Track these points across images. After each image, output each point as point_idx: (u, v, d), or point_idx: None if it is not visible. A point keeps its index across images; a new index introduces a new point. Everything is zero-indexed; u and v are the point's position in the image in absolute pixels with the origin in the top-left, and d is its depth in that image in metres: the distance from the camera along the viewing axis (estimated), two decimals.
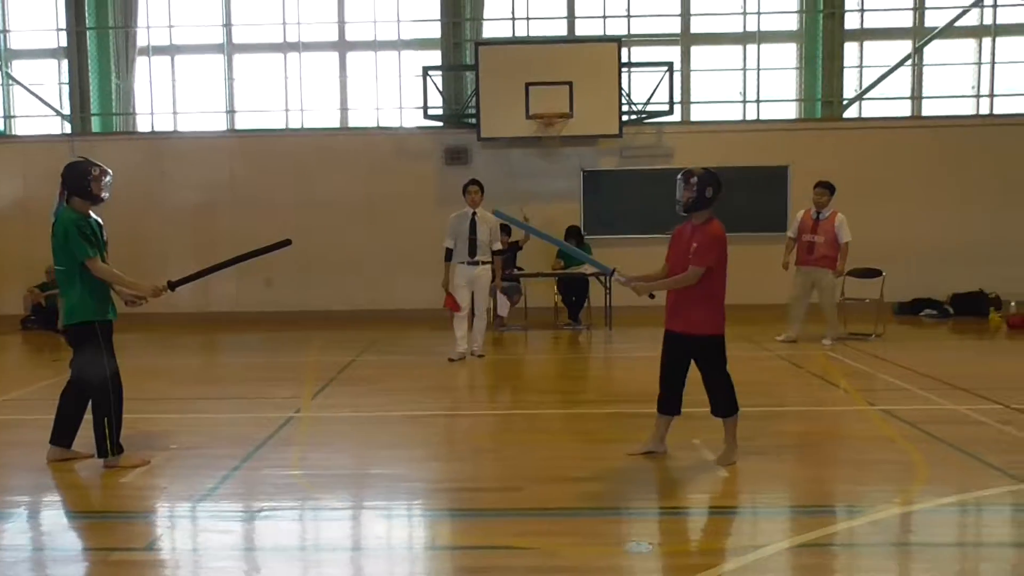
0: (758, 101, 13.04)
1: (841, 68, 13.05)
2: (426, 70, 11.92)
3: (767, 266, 12.43)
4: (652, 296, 5.37)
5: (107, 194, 5.07)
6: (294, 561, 3.89)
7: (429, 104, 12.07)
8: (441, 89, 12.36)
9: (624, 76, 12.17)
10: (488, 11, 12.95)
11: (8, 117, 13.04)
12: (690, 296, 5.06)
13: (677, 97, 12.50)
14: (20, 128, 13.27)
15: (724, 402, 5.11)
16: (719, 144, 12.46)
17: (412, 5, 12.96)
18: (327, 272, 12.46)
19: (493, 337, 10.91)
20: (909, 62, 12.92)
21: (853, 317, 10.30)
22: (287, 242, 5.63)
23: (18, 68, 13.23)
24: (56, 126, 13.06)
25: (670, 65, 11.98)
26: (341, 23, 13.16)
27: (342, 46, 13.29)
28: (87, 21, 12.63)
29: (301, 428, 6.13)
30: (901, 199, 12.43)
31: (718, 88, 13.28)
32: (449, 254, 8.79)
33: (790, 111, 13.45)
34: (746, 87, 13.11)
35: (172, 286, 5.21)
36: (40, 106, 12.94)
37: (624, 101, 11.98)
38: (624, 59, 12.11)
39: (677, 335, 5.16)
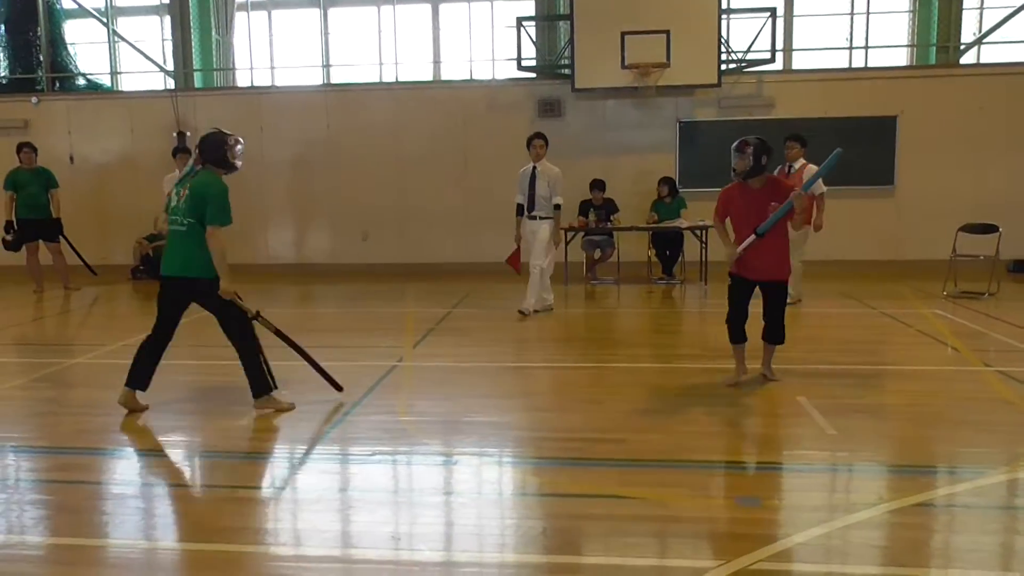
0: (866, 47, 12.46)
1: (959, 10, 12.32)
2: (520, 20, 11.78)
3: (873, 221, 12.03)
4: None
5: (241, 162, 5.26)
6: (401, 504, 3.99)
7: (523, 56, 11.94)
8: (535, 40, 12.22)
9: (724, 23, 11.78)
10: None
11: (114, 73, 13.51)
12: (782, 245, 5.69)
13: (780, 44, 12.04)
14: (126, 84, 13.74)
15: (782, 330, 5.81)
16: (823, 93, 11.99)
17: None
18: (421, 225, 12.59)
19: (585, 290, 10.90)
20: None
21: (966, 275, 9.84)
22: (340, 388, 5.59)
23: (123, 25, 13.67)
24: (159, 82, 13.46)
25: (772, 11, 11.51)
26: None
27: None
28: None
29: (405, 376, 6.24)
30: (1020, 150, 11.74)
31: (823, 34, 12.73)
32: (520, 209, 8.71)
33: (900, 58, 12.80)
34: (853, 33, 12.52)
35: (257, 316, 5.30)
36: (144, 62, 13.35)
37: (723, 49, 11.60)
38: (724, 5, 11.72)
39: (755, 282, 5.70)
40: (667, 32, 11.18)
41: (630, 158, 12.12)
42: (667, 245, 11.33)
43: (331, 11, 13.39)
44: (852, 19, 12.53)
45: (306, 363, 5.59)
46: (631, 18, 11.25)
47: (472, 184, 12.37)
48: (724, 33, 11.75)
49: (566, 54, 11.81)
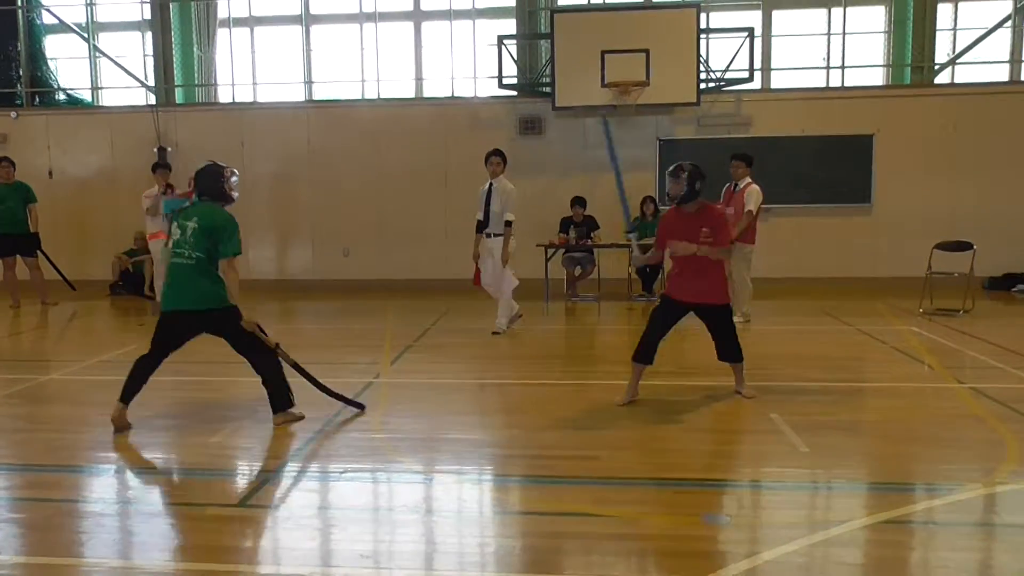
0: (843, 67, 12.61)
1: (933, 31, 12.52)
2: (501, 39, 11.86)
3: (849, 239, 12.15)
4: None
5: (237, 194, 5.26)
6: (373, 522, 3.98)
7: (504, 73, 12.02)
8: (516, 58, 12.30)
9: (703, 42, 11.93)
10: None
11: (95, 88, 13.48)
12: (711, 270, 5.71)
13: (758, 64, 12.19)
14: (107, 99, 13.71)
15: (737, 349, 5.92)
16: (800, 112, 12.15)
17: None
18: (402, 241, 12.60)
19: (565, 307, 10.93)
20: (1008, 23, 12.31)
21: (941, 292, 9.94)
22: (361, 406, 5.61)
23: (104, 40, 13.65)
24: (141, 97, 13.43)
25: (750, 31, 11.65)
26: None
27: (417, 16, 13.33)
28: None
29: (381, 393, 6.23)
30: (994, 168, 11.94)
31: (800, 54, 12.88)
32: (480, 226, 8.71)
33: (877, 77, 12.98)
34: (830, 53, 12.68)
35: (276, 347, 5.30)
36: (126, 77, 13.32)
37: (702, 68, 11.72)
38: (703, 25, 11.87)
39: (686, 304, 5.78)
40: (647, 51, 11.29)
41: (611, 175, 12.09)
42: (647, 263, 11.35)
43: (313, 28, 13.43)
44: (829, 39, 12.70)
45: (322, 392, 5.55)
46: (611, 37, 11.36)
47: (453, 201, 12.40)
48: (704, 52, 11.89)
49: (547, 72, 11.89)
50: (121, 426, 5.17)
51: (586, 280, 11.64)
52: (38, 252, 10.99)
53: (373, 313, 10.62)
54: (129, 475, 4.71)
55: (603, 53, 11.32)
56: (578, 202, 11.35)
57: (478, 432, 5.31)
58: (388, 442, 5.04)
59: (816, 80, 12.73)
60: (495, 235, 8.56)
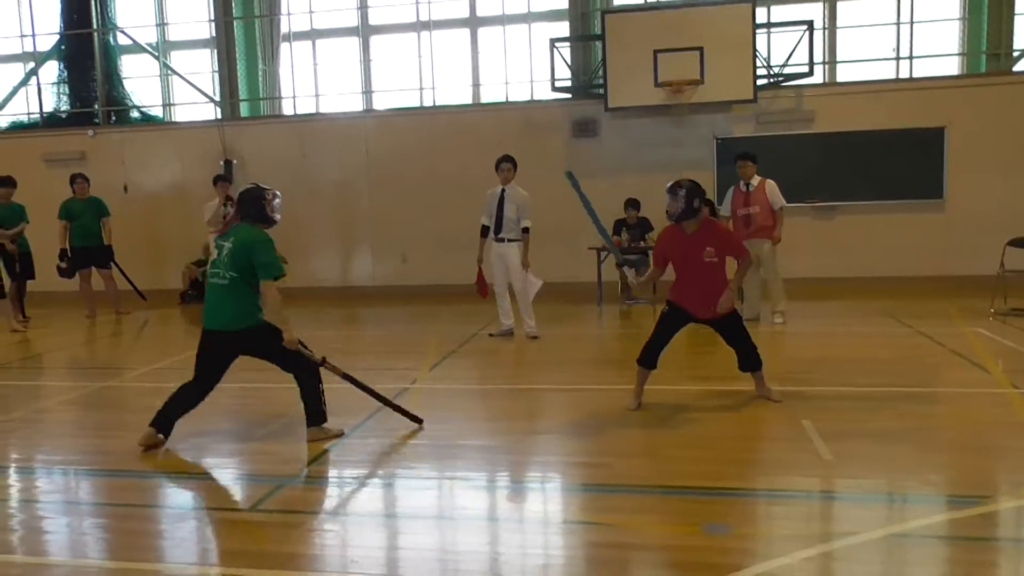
0: (911, 57, 12.09)
1: (1012, 16, 11.88)
2: (553, 42, 11.82)
3: (919, 237, 11.64)
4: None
5: (279, 216, 5.22)
6: (379, 527, 4.01)
7: (557, 76, 11.97)
8: (570, 61, 12.24)
9: (762, 37, 11.63)
10: None
11: (165, 105, 14.05)
12: (717, 283, 5.60)
13: (818, 57, 11.81)
14: (179, 115, 14.26)
15: (756, 358, 5.80)
16: (866, 105, 11.69)
17: None
18: (459, 247, 12.61)
19: (620, 311, 10.80)
20: None
21: (1016, 291, 9.42)
22: (420, 421, 5.52)
23: (175, 58, 14.22)
24: (210, 112, 13.91)
25: (810, 24, 11.29)
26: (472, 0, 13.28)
27: (473, 22, 13.41)
28: (234, 11, 13.35)
29: (412, 399, 6.25)
30: None
31: (866, 46, 12.40)
32: (485, 231, 8.65)
33: (949, 67, 12.39)
34: (899, 42, 12.18)
35: (323, 362, 5.27)
36: (195, 94, 13.83)
37: (760, 64, 11.43)
38: (762, 19, 11.57)
39: (694, 318, 5.72)
40: (700, 49, 11.07)
41: (666, 176, 11.83)
42: None
43: (372, 38, 13.66)
44: (899, 28, 12.20)
45: (380, 402, 5.54)
46: (663, 36, 11.19)
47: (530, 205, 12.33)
48: (763, 47, 11.59)
49: (600, 74, 11.78)
50: (152, 444, 5.11)
51: (645, 284, 11.44)
52: (112, 264, 11.50)
53: (425, 319, 10.72)
54: (152, 479, 4.86)
55: (655, 52, 11.16)
56: (631, 204, 11.20)
57: (496, 438, 5.28)
58: (404, 448, 5.08)
59: (884, 72, 12.23)
60: (509, 240, 8.52)
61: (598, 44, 12.17)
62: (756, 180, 8.96)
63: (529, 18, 12.98)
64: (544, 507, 4.19)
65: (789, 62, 11.54)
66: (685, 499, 4.13)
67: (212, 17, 13.42)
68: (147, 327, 11.13)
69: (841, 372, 6.70)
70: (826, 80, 12.23)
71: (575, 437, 5.25)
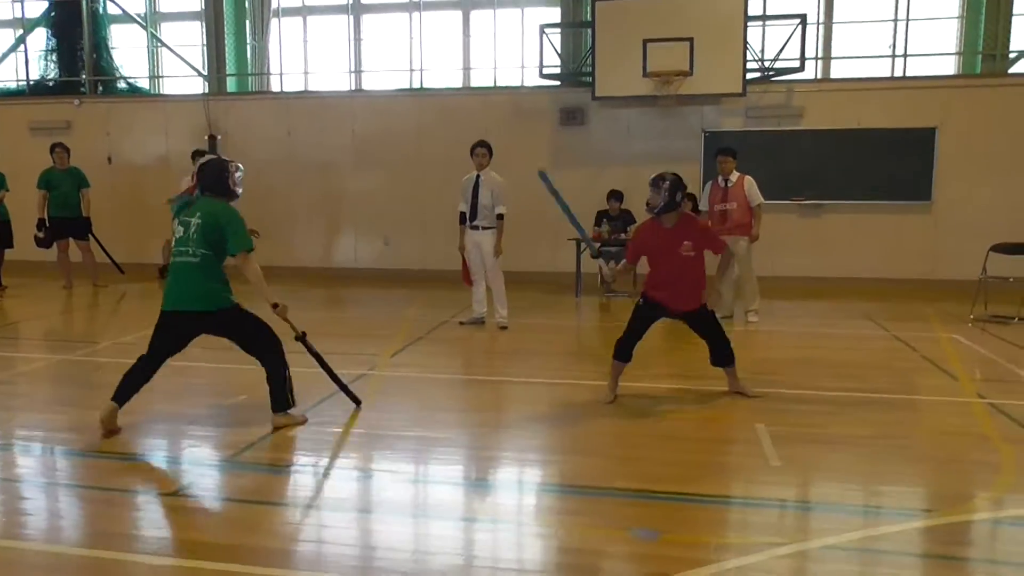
0: (905, 55, 11.91)
1: (1009, 17, 11.70)
2: (542, 28, 11.66)
3: (905, 239, 11.51)
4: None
5: (240, 189, 5.07)
6: (302, 516, 3.92)
7: (546, 63, 11.81)
8: (560, 47, 12.07)
9: (755, 30, 11.46)
10: None
11: (152, 77, 13.90)
12: (697, 278, 5.64)
13: (811, 52, 11.63)
14: (167, 88, 14.11)
15: (729, 352, 5.82)
16: (858, 103, 11.55)
17: None
18: (442, 231, 12.51)
19: (600, 303, 10.69)
20: None
21: (999, 298, 9.30)
22: (358, 402, 5.54)
23: (165, 30, 14.06)
24: (198, 86, 13.75)
25: (803, 18, 11.11)
26: None
27: (466, 4, 13.23)
28: None
29: (368, 386, 6.16)
30: None
31: (862, 42, 12.22)
32: (463, 217, 8.55)
33: (945, 66, 12.22)
34: (896, 40, 11.99)
35: (302, 337, 5.24)
36: (183, 67, 13.67)
37: (751, 57, 11.26)
38: (755, 11, 11.40)
39: (667, 309, 5.71)
40: (690, 40, 10.91)
41: (653, 168, 11.69)
42: None
43: (364, 16, 13.49)
44: (896, 26, 12.01)
45: (331, 378, 5.51)
46: (654, 25, 11.02)
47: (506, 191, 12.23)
48: (756, 40, 11.43)
49: (588, 62, 11.62)
50: (110, 428, 4.93)
51: (626, 277, 11.34)
52: (90, 235, 11.39)
53: (401, 302, 10.61)
54: (82, 458, 4.77)
55: (645, 42, 10.99)
56: (614, 196, 11.07)
57: (441, 429, 5.18)
58: (347, 436, 5.00)
59: (879, 70, 12.06)
60: (484, 228, 8.41)
61: (589, 32, 12.00)
62: (735, 176, 8.85)
63: (521, 2, 12.80)
64: (471, 504, 4.09)
65: (780, 56, 11.37)
66: (622, 502, 4.03)
67: None
68: (124, 300, 11.03)
69: (807, 374, 6.60)
70: (818, 76, 12.05)
71: (522, 432, 5.16)
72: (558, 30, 12.16)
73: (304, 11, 13.55)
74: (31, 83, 13.84)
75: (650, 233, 5.73)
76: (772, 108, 11.69)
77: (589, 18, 11.77)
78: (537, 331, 8.64)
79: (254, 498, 4.14)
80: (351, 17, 13.36)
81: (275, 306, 5.06)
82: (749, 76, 11.22)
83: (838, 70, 12.31)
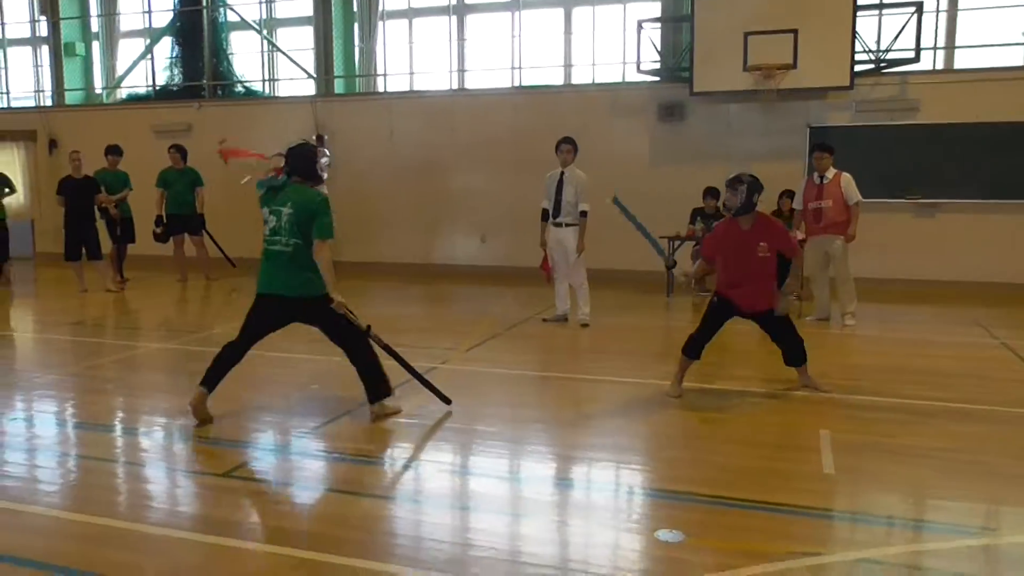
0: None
1: None
2: (640, 23, 11.47)
3: None
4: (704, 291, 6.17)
5: (326, 175, 5.22)
6: (337, 502, 4.02)
7: (647, 59, 11.62)
8: (660, 43, 11.85)
9: (866, 20, 10.89)
10: None
11: (265, 80, 14.56)
12: (769, 280, 5.67)
13: (927, 42, 10.96)
14: (282, 90, 14.74)
15: (801, 352, 5.84)
16: (980, 95, 10.76)
17: None
18: (536, 228, 12.51)
19: (692, 302, 10.42)
20: None
21: None
22: (448, 401, 5.51)
23: (282, 35, 14.70)
24: (311, 88, 14.26)
25: (919, 5, 10.47)
26: None
27: (568, 2, 13.19)
28: None
29: (435, 380, 6.19)
30: None
31: (984, 30, 11.39)
32: (546, 214, 8.47)
33: None
34: None
35: (368, 331, 5.21)
36: (296, 70, 14.24)
37: (861, 48, 10.71)
38: (861, 1, 10.83)
39: (741, 310, 5.74)
40: (794, 31, 10.48)
41: (755, 166, 11.30)
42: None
43: (467, 17, 13.67)
44: None
45: (413, 378, 5.52)
46: (756, 18, 10.65)
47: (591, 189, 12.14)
48: (867, 30, 10.86)
49: (688, 57, 11.35)
50: (202, 417, 5.07)
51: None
52: (203, 232, 12.03)
53: (491, 299, 10.70)
54: (168, 439, 5.04)
55: (746, 35, 10.64)
56: (711, 193, 10.76)
57: (499, 424, 5.21)
58: (401, 428, 5.07)
59: (1005, 59, 11.22)
60: (567, 224, 8.35)
61: (689, 26, 11.73)
62: (831, 173, 8.44)
63: None
64: (502, 496, 4.07)
65: (894, 47, 10.75)
66: (656, 503, 3.95)
67: None
68: (234, 293, 11.58)
69: (891, 381, 6.22)
70: (935, 67, 11.32)
71: (576, 429, 5.11)
72: (658, 25, 11.93)
73: (410, 13, 13.85)
74: (157, 88, 14.75)
75: (727, 233, 5.75)
76: (884, 102, 11.08)
77: (689, 12, 11.50)
78: (620, 329, 8.53)
79: (334, 486, 4.27)
80: (454, 18, 13.56)
81: (331, 300, 5.03)
82: (859, 68, 10.67)
83: (961, 60, 11.53)
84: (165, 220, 11.84)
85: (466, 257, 13.08)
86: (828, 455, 4.51)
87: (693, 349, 5.75)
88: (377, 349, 5.29)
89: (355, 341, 5.14)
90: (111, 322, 9.44)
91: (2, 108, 15.86)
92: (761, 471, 4.43)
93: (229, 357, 5.11)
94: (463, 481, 4.37)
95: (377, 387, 5.19)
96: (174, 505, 3.98)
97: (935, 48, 11.31)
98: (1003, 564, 3.35)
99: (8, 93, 16.01)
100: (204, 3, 14.13)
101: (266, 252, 5.03)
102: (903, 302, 10.12)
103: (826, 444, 4.69)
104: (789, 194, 10.62)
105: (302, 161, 5.07)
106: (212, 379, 5.09)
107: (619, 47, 12.55)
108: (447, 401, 5.47)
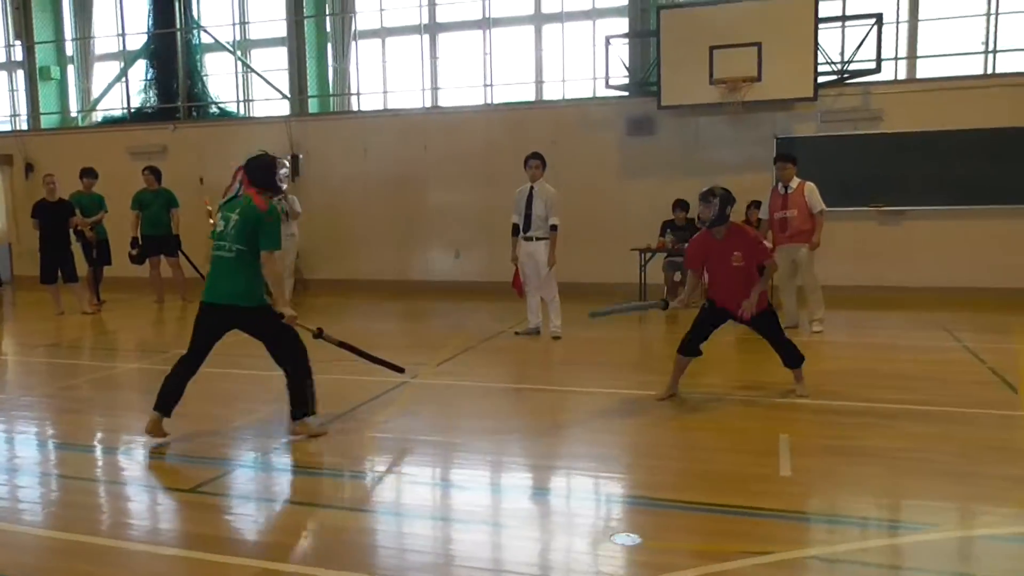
0: (995, 51, 11.30)
1: None
2: (608, 39, 11.66)
3: (1001, 245, 10.88)
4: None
5: (285, 185, 5.19)
6: (304, 515, 4.09)
7: (615, 74, 11.79)
8: (628, 58, 12.04)
9: (829, 32, 11.12)
10: None
11: (240, 101, 14.64)
12: (747, 285, 5.82)
13: (889, 52, 11.19)
14: (257, 111, 14.81)
15: (796, 355, 6.01)
16: (944, 103, 10.98)
17: None
18: (509, 243, 12.64)
19: (665, 314, 10.52)
20: None
21: None
22: (401, 370, 5.95)
23: (255, 56, 14.79)
24: (285, 108, 14.34)
25: (879, 17, 10.70)
26: None
27: (538, 19, 13.37)
28: (305, 10, 13.74)
29: (404, 394, 6.32)
30: None
31: (947, 40, 11.64)
32: (516, 229, 8.64)
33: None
34: (988, 36, 11.38)
35: (320, 334, 5.36)
36: (270, 90, 14.32)
37: (824, 60, 10.93)
38: (829, 12, 11.07)
39: (731, 315, 5.93)
40: (758, 45, 10.69)
41: (724, 177, 11.41)
42: None
43: (439, 36, 13.81)
44: (988, 19, 11.41)
45: (364, 359, 5.70)
46: (720, 32, 10.86)
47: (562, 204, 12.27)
48: (828, 41, 11.08)
49: (655, 71, 11.53)
50: (158, 434, 5.09)
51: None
52: (179, 252, 12.06)
53: (464, 313, 10.80)
54: (137, 458, 5.09)
55: (711, 48, 10.84)
56: (680, 205, 10.94)
57: (466, 437, 5.29)
58: (367, 442, 5.15)
59: (966, 69, 11.46)
60: (538, 238, 8.48)
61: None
62: (795, 182, 8.62)
63: (593, 15, 12.85)
64: (455, 504, 4.15)
65: (856, 58, 10.98)
66: (614, 508, 4.05)
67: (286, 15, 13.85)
68: None
69: (856, 385, 6.35)
70: (897, 77, 11.56)
71: (544, 440, 5.18)
72: (626, 40, 12.12)
73: (382, 32, 13.99)
74: (132, 111, 14.79)
75: (702, 244, 6.01)
76: (848, 112, 11.30)
77: (655, 27, 11.69)
78: (592, 342, 8.61)
79: (261, 497, 4.33)
80: (426, 36, 13.70)
81: (281, 316, 5.07)
82: (822, 79, 10.89)
83: (922, 70, 11.77)
84: (140, 242, 11.86)
85: (441, 273, 13.16)
86: (786, 458, 4.62)
87: (686, 347, 5.97)
88: (330, 347, 5.42)
89: (293, 357, 5.15)
90: (87, 343, 9.44)
91: None
92: (716, 474, 4.53)
93: (181, 373, 5.13)
94: (426, 491, 4.45)
95: (304, 404, 5.21)
96: (144, 521, 4.02)
97: (896, 58, 11.55)
98: (943, 558, 3.45)
99: None
100: (178, 25, 14.20)
101: (212, 257, 5.07)
102: (870, 308, 10.29)
103: (784, 448, 4.80)
104: (756, 204, 10.82)
105: (260, 172, 5.08)
106: (166, 402, 5.09)
107: (589, 63, 12.74)
108: (400, 370, 5.86)
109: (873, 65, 10.82)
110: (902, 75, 11.71)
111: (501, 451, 5.01)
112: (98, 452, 5.21)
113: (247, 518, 4.07)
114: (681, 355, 5.98)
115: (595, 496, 4.30)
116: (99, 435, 5.59)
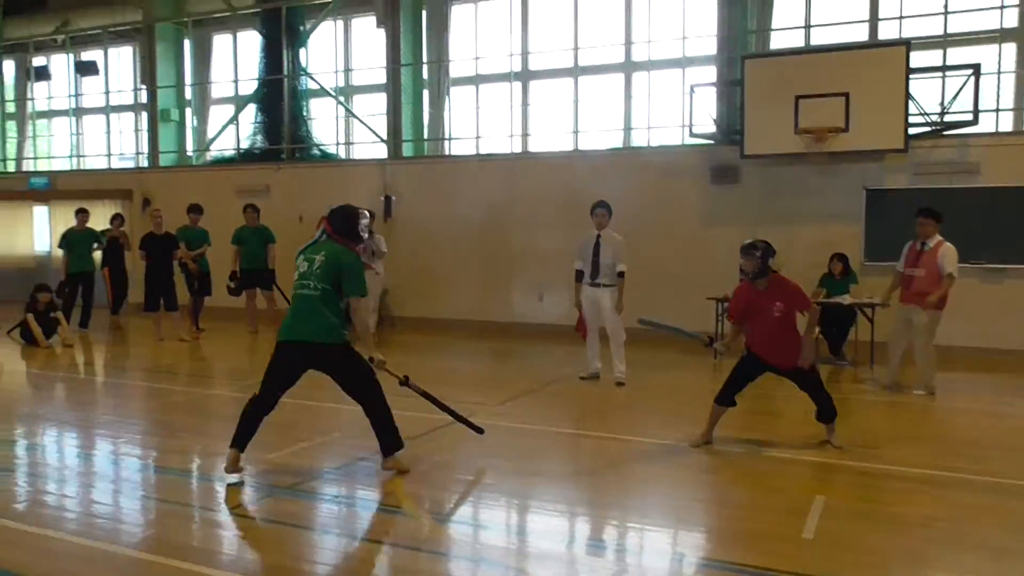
0: None
1: None
2: (692, 87, 11.67)
3: None
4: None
5: (366, 235, 5.46)
6: (315, 541, 4.27)
7: (701, 122, 11.78)
8: (715, 106, 12.01)
9: (925, 83, 10.79)
10: (775, 21, 12.35)
11: (339, 144, 15.38)
12: (787, 335, 6.00)
13: (991, 104, 10.75)
14: (357, 153, 15.50)
15: (831, 409, 6.08)
16: None
17: (696, 21, 12.78)
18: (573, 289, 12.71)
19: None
20: None
21: None
22: (481, 431, 6.12)
23: (358, 101, 15.52)
24: (383, 151, 14.93)
25: (976, 67, 10.32)
26: (628, 44, 13.42)
27: (628, 68, 13.52)
28: (402, 58, 14.35)
29: (453, 433, 6.43)
30: None
31: None
32: (580, 275, 8.73)
33: None
34: None
35: (406, 381, 5.57)
36: (370, 134, 14.98)
37: (917, 111, 10.60)
38: (924, 62, 10.76)
39: (769, 366, 6.09)
40: (846, 95, 10.48)
41: (809, 228, 11.38)
42: (835, 322, 10.42)
43: (531, 83, 14.15)
44: None
45: (448, 415, 5.94)
46: (807, 81, 10.70)
47: (641, 249, 12.15)
48: (924, 92, 10.74)
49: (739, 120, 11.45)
50: (236, 470, 5.21)
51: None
52: (274, 286, 12.69)
53: (538, 356, 10.88)
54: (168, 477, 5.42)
55: (797, 98, 10.70)
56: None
57: (497, 477, 5.38)
58: (403, 479, 5.28)
59: None
60: (605, 285, 8.53)
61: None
62: (934, 240, 8.21)
63: (683, 63, 12.90)
64: (450, 544, 4.23)
65: (951, 109, 10.60)
66: (637, 562, 4.03)
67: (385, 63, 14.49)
68: None
69: (920, 450, 6.09)
70: (998, 129, 11.08)
71: (569, 486, 5.23)
72: (713, 89, 12.10)
73: (476, 80, 14.44)
74: (241, 151, 15.74)
75: (745, 295, 6.16)
76: (943, 164, 10.88)
77: (740, 76, 11.64)
78: (655, 389, 8.58)
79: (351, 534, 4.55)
80: (516, 84, 14.05)
81: (371, 359, 5.26)
82: (916, 130, 10.56)
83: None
84: (239, 275, 12.55)
85: (524, 315, 13.31)
86: (813, 520, 4.50)
87: (722, 397, 6.13)
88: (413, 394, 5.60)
89: (371, 395, 5.25)
90: (183, 369, 10.04)
91: (104, 169, 17.18)
92: (736, 532, 4.46)
93: (255, 412, 5.22)
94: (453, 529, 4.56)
95: (390, 441, 5.34)
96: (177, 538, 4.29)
97: (997, 110, 11.08)
98: None
99: (110, 155, 17.35)
100: (286, 72, 15.07)
101: (295, 296, 5.19)
102: (966, 370, 9.76)
103: (816, 509, 4.67)
104: (841, 257, 10.54)
105: (342, 220, 5.32)
106: (242, 439, 5.22)
107: (677, 111, 12.77)
108: (480, 431, 5.98)
109: (970, 116, 10.43)
110: (1003, 127, 11.22)
111: (526, 495, 5.07)
112: (187, 473, 5.56)
113: (277, 543, 4.26)
114: (717, 404, 6.13)
115: (617, 548, 4.28)
116: (182, 456, 5.96)
